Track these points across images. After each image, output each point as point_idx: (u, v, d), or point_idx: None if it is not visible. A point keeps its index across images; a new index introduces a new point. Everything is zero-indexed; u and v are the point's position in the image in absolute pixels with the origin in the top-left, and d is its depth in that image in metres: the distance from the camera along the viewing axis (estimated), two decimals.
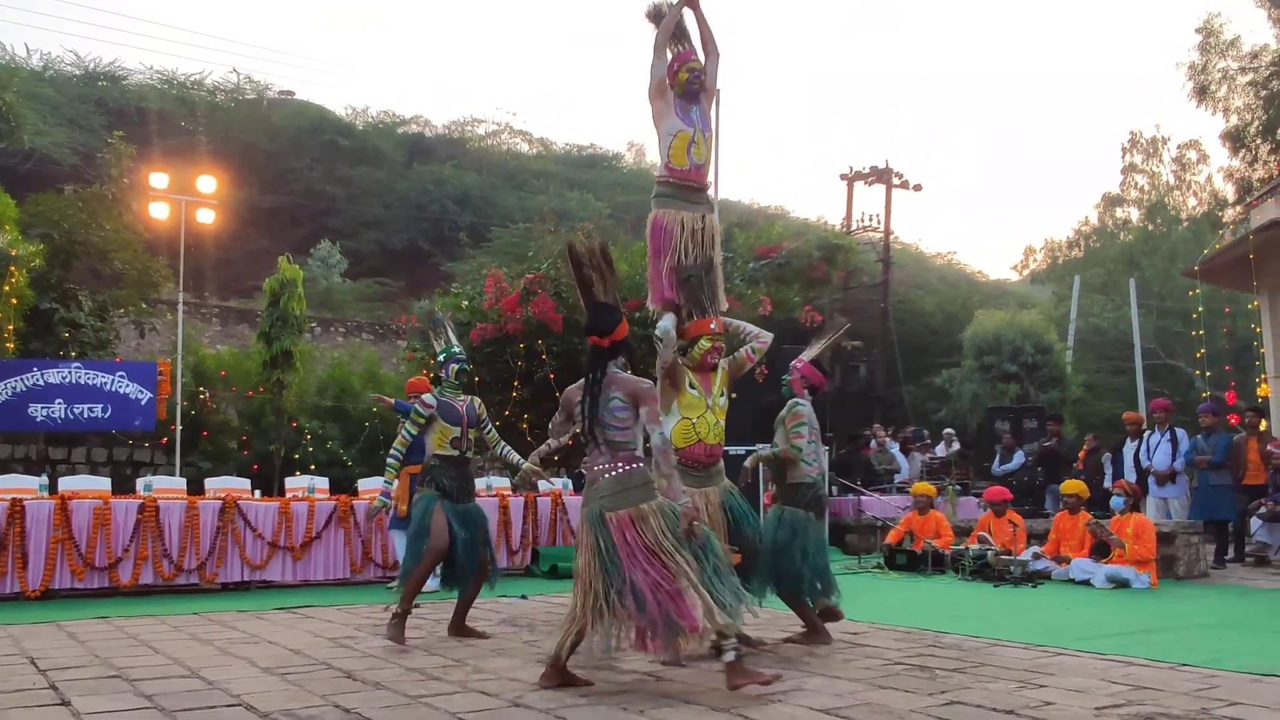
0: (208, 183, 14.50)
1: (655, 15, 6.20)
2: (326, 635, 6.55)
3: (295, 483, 11.29)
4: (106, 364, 13.56)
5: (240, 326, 22.76)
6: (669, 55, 6.11)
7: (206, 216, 14.48)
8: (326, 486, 11.22)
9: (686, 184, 6.08)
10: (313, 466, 13.85)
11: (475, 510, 6.47)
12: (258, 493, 10.61)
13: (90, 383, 12.99)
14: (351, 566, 9.76)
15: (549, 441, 5.93)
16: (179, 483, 10.84)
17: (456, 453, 6.40)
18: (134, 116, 27.08)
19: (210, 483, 10.95)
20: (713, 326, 5.83)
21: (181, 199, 14.10)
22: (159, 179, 14.15)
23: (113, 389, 13.08)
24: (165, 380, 13.38)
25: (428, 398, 6.42)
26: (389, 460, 6.52)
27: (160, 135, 25.97)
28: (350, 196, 30.79)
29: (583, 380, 4.87)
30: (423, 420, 6.35)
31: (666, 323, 5.70)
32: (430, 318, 7.25)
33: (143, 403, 13.18)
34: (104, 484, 10.33)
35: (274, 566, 9.41)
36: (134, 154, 16.68)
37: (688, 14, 6.25)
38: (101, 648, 6.03)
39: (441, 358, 6.61)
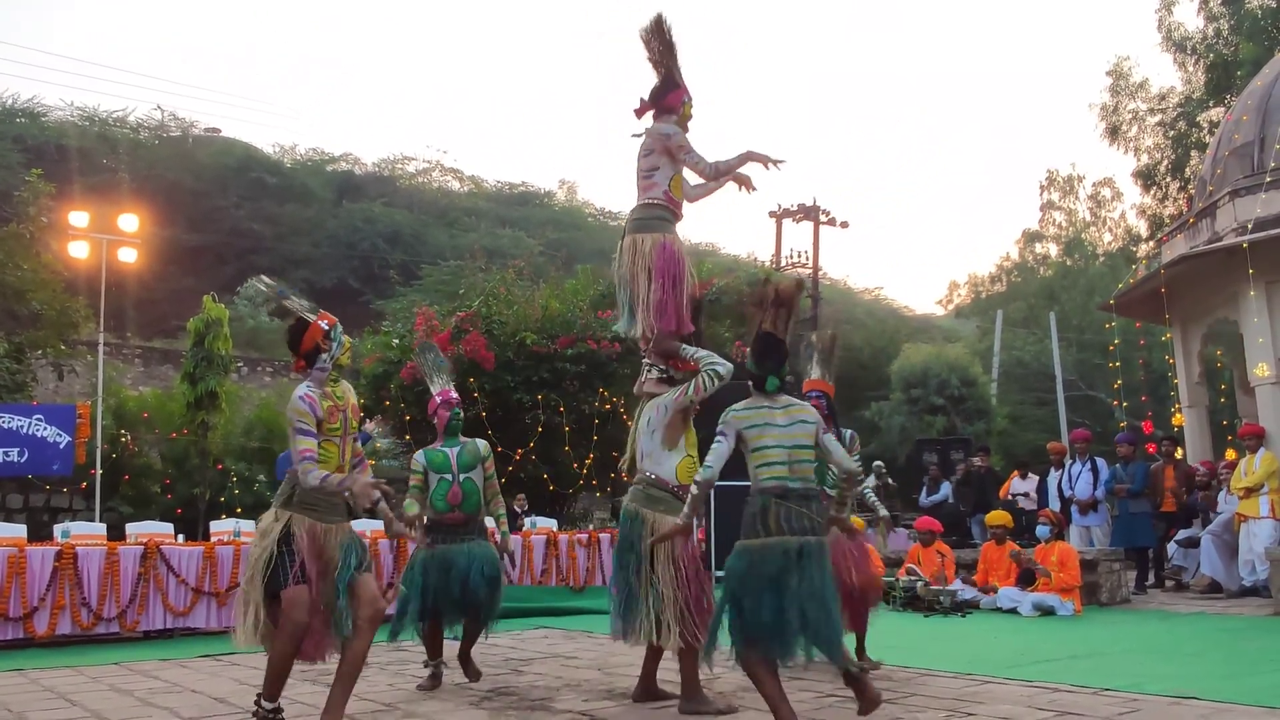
0: (130, 221, 14.21)
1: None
2: (252, 683, 6.38)
3: (220, 526, 11.02)
4: (23, 407, 13.17)
5: (164, 367, 22.29)
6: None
7: (128, 255, 14.18)
8: (253, 530, 11.00)
9: (677, 218, 5.94)
10: (239, 509, 13.56)
11: None
12: (181, 537, 10.35)
13: (6, 426, 12.60)
14: None
15: None
16: (99, 528, 10.52)
17: None
18: (53, 154, 26.56)
19: (132, 528, 10.62)
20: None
21: (103, 238, 13.80)
22: (79, 217, 13.84)
23: (29, 432, 12.69)
24: (85, 423, 13.03)
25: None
26: None
27: (81, 173, 25.50)
28: (278, 235, 30.47)
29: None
30: None
31: (729, 363, 5.59)
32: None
33: (61, 446, 12.81)
34: (19, 531, 9.96)
35: (198, 613, 9.15)
36: (53, 192, 16.36)
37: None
38: (16, 702, 5.82)
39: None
